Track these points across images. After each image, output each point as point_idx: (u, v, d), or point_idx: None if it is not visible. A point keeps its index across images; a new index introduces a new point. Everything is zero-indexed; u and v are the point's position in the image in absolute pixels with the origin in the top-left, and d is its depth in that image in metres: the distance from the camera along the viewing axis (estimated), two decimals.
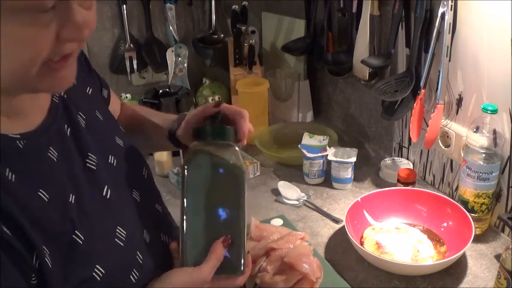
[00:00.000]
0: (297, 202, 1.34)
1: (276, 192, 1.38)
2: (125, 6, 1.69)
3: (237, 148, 0.80)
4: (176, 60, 1.80)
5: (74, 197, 0.65)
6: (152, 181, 0.87)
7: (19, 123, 0.62)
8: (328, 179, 1.42)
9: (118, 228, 0.70)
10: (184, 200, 0.72)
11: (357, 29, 1.44)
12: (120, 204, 0.73)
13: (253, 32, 1.75)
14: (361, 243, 1.13)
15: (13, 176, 0.58)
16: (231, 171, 0.74)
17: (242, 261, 0.73)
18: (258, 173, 1.49)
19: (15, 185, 0.58)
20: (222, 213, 0.73)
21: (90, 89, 0.81)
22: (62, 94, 0.72)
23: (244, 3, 1.80)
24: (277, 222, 1.24)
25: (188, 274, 0.71)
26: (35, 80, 0.55)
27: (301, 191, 1.37)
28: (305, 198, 1.35)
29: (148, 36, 1.79)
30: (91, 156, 0.71)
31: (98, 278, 0.64)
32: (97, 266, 0.65)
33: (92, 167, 0.71)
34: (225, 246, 0.72)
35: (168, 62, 1.80)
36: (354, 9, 1.44)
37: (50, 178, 0.63)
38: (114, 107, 0.95)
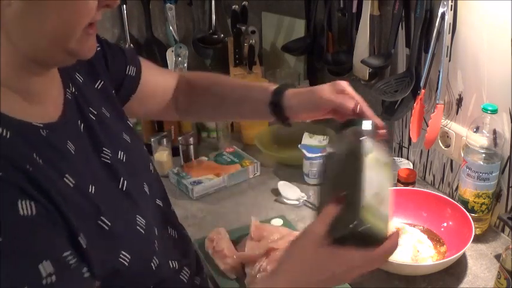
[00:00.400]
0: (297, 202, 1.34)
1: (276, 192, 1.38)
2: (125, 6, 1.69)
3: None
4: (176, 60, 1.80)
5: (93, 187, 0.66)
6: (158, 176, 0.89)
7: (38, 113, 0.64)
8: None
9: (137, 217, 0.72)
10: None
11: (357, 29, 1.44)
12: (136, 195, 0.75)
13: (253, 32, 1.75)
14: None
15: (40, 160, 0.59)
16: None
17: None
18: (258, 173, 1.49)
19: (43, 167, 0.59)
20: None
21: (101, 83, 0.82)
22: (73, 90, 0.73)
23: (244, 3, 1.80)
24: (277, 222, 1.23)
25: (304, 238, 0.67)
26: (75, 43, 0.61)
27: (301, 191, 1.37)
28: (305, 198, 1.35)
29: (148, 36, 1.79)
30: (105, 151, 0.73)
31: (126, 264, 0.66)
32: (123, 252, 0.66)
33: (107, 160, 0.73)
34: (337, 203, 0.66)
35: (168, 62, 1.80)
36: (354, 9, 1.44)
37: (71, 168, 0.64)
38: (156, 79, 0.97)
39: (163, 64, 1.80)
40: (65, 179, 0.62)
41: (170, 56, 1.79)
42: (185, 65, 1.81)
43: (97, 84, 0.81)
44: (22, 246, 0.53)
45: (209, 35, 1.80)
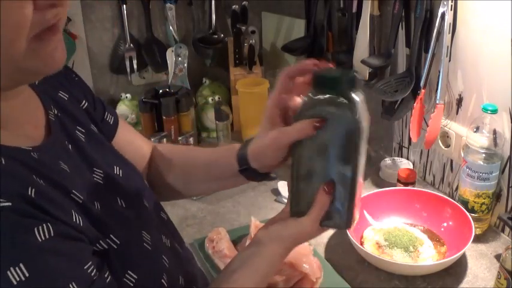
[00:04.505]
0: None
1: (276, 192, 1.37)
2: (124, 6, 1.69)
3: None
4: (176, 60, 1.80)
5: (98, 204, 0.64)
6: None
7: (20, 138, 0.61)
8: None
9: (143, 233, 0.69)
10: (300, 149, 0.67)
11: (357, 29, 1.44)
12: (136, 211, 0.72)
13: (253, 32, 1.75)
14: (361, 243, 1.13)
15: (41, 181, 0.57)
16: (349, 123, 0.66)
17: (350, 215, 0.68)
18: None
19: (47, 188, 0.57)
20: (334, 165, 0.66)
21: (86, 104, 0.78)
22: (55, 112, 0.70)
23: (244, 3, 1.80)
24: None
25: (293, 226, 0.69)
26: (26, 58, 0.52)
27: None
28: None
29: (148, 36, 1.79)
30: (96, 171, 0.70)
31: (132, 285, 0.63)
32: (129, 272, 0.63)
33: (99, 181, 0.69)
34: (327, 193, 0.66)
35: (168, 62, 1.80)
36: (354, 9, 1.44)
37: (74, 185, 0.61)
38: (132, 137, 0.91)
39: (164, 64, 1.81)
40: (72, 195, 0.59)
41: (170, 56, 1.79)
42: (185, 65, 1.81)
43: (82, 104, 0.78)
44: (49, 275, 0.52)
45: (209, 35, 1.80)
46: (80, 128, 0.73)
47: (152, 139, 1.50)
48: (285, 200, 1.34)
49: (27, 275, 0.49)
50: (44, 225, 0.52)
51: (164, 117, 1.56)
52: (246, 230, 1.15)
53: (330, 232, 1.21)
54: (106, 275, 0.59)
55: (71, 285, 0.52)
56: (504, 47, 1.05)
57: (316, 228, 0.69)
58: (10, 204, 0.50)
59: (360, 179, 0.68)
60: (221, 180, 0.84)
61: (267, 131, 0.71)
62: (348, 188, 0.67)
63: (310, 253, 1.04)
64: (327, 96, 0.64)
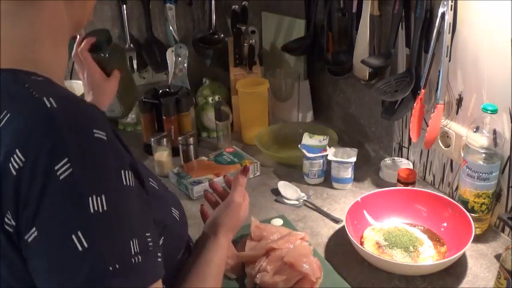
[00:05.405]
0: (297, 202, 1.34)
1: (276, 192, 1.38)
2: (124, 6, 1.69)
3: None
4: (176, 60, 1.80)
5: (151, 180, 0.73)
6: None
7: None
8: (328, 179, 1.42)
9: (172, 209, 0.77)
10: None
11: (357, 29, 1.44)
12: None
13: (253, 32, 1.75)
14: (361, 243, 1.13)
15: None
16: None
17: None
18: (258, 173, 1.49)
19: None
20: None
21: None
22: None
23: (244, 3, 1.80)
24: (277, 222, 1.23)
25: (231, 208, 0.93)
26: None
27: (301, 191, 1.37)
28: (305, 198, 1.35)
29: (148, 36, 1.79)
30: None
31: (178, 219, 0.75)
32: (173, 208, 0.76)
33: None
34: (245, 175, 0.97)
35: (168, 62, 1.80)
36: (354, 9, 1.44)
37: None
38: None
39: (164, 64, 1.81)
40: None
41: (170, 56, 1.79)
42: (185, 65, 1.81)
43: None
44: (123, 218, 0.55)
45: (209, 35, 1.80)
46: None
47: (152, 139, 1.50)
48: (285, 200, 1.34)
49: (105, 208, 0.53)
50: (130, 172, 0.58)
51: (164, 117, 1.56)
52: (246, 230, 1.15)
53: (330, 232, 1.21)
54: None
55: (132, 242, 0.55)
56: (504, 47, 1.05)
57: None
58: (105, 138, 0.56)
59: None
60: None
61: None
62: None
63: (310, 253, 1.04)
64: None
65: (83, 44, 1.11)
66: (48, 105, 0.54)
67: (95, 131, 0.55)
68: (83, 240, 0.51)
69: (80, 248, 0.51)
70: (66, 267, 0.52)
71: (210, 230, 0.91)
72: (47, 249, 0.52)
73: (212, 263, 0.83)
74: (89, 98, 1.12)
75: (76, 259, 0.51)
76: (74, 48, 1.11)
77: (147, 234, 0.58)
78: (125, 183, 0.56)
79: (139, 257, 0.55)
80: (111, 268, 0.52)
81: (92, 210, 0.52)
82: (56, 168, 0.52)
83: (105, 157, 0.55)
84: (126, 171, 0.57)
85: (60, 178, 0.51)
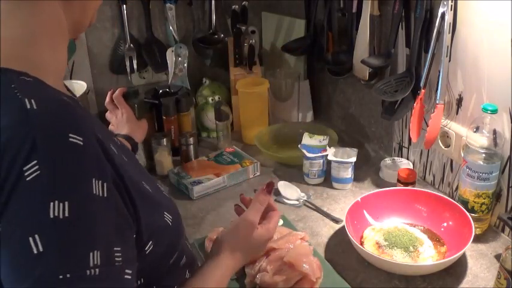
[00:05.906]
0: (297, 202, 1.34)
1: (276, 192, 1.37)
2: (124, 6, 1.69)
3: None
4: (176, 60, 1.80)
5: (144, 183, 0.71)
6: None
7: None
8: (328, 179, 1.42)
9: (165, 213, 0.75)
10: None
11: (357, 29, 1.44)
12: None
13: (253, 32, 1.75)
14: (361, 243, 1.13)
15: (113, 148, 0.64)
16: None
17: None
18: (258, 173, 1.49)
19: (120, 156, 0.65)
20: None
21: None
22: None
23: (244, 3, 1.80)
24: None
25: (239, 226, 0.85)
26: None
27: (301, 191, 1.37)
28: (305, 198, 1.35)
29: (148, 36, 1.79)
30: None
31: (170, 223, 0.72)
32: (165, 212, 0.73)
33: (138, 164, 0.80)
34: (269, 192, 0.87)
35: (168, 62, 1.80)
36: (354, 9, 1.44)
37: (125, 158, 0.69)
38: None
39: (164, 64, 1.81)
40: (123, 156, 0.65)
41: (170, 56, 1.79)
42: (185, 65, 1.81)
43: None
44: (86, 228, 0.54)
45: (209, 35, 1.80)
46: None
47: (152, 139, 1.50)
48: (285, 200, 1.34)
49: (67, 215, 0.53)
50: (101, 182, 0.57)
51: (164, 117, 1.56)
52: None
53: (330, 232, 1.21)
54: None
55: (91, 254, 0.54)
56: (504, 47, 1.05)
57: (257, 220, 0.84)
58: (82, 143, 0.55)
59: None
60: None
61: None
62: None
63: (310, 253, 1.04)
64: None
65: (117, 91, 1.35)
66: (28, 107, 0.55)
67: (70, 135, 0.54)
68: (39, 243, 0.51)
69: (35, 251, 0.51)
70: (21, 266, 0.52)
71: (214, 246, 0.85)
72: (9, 245, 0.53)
73: (209, 280, 0.78)
74: (124, 130, 1.32)
75: (30, 261, 0.51)
76: (108, 96, 1.35)
77: (116, 248, 0.57)
78: (95, 193, 0.55)
79: (97, 270, 0.54)
80: (61, 277, 0.51)
81: (51, 215, 0.52)
82: (25, 169, 0.52)
83: (75, 163, 0.54)
84: (99, 181, 0.56)
85: (27, 179, 0.52)
